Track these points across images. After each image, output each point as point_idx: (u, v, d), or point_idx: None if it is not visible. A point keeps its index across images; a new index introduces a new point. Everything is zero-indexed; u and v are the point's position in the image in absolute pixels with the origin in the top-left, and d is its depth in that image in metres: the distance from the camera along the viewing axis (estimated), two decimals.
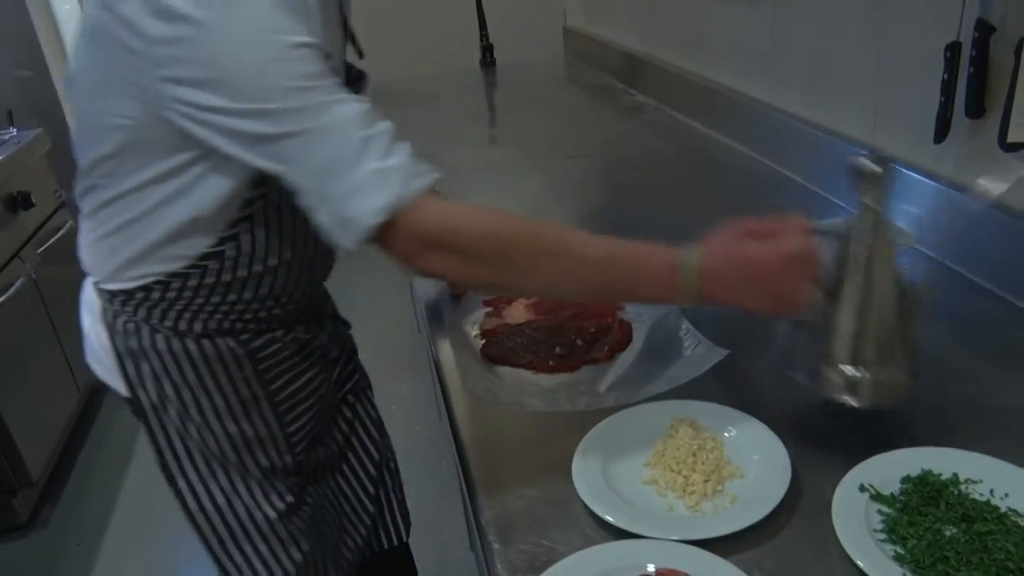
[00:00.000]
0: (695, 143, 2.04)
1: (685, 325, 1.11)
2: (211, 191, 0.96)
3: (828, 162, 1.57)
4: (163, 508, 2.46)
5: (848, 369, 0.90)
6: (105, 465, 2.79)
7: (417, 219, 0.86)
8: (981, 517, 0.77)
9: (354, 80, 1.10)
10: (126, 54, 0.87)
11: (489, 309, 1.22)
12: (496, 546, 0.82)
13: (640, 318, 1.16)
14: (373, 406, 1.40)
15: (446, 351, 1.16)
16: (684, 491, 0.85)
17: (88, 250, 1.10)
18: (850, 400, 0.90)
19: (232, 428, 1.10)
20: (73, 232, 3.02)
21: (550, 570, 0.77)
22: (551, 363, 1.08)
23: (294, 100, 0.84)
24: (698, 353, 1.05)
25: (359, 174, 0.84)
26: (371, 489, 1.35)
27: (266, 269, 1.06)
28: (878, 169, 0.86)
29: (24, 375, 2.48)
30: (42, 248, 2.73)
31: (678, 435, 0.91)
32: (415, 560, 1.57)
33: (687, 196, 1.70)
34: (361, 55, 1.18)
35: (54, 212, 2.92)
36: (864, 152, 1.44)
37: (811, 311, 0.90)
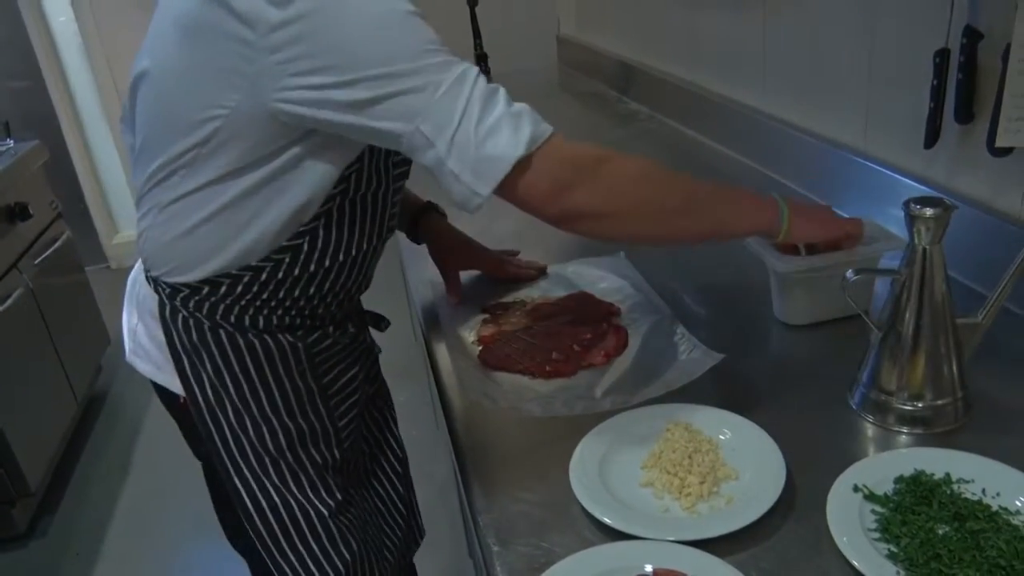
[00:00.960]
0: (689, 150, 2.05)
1: (680, 330, 1.12)
2: (296, 183, 0.98)
3: (821, 167, 1.58)
4: (161, 517, 2.48)
5: (903, 401, 0.95)
6: (102, 475, 2.79)
7: (557, 150, 0.90)
8: (973, 516, 0.78)
9: None
10: (236, 44, 0.89)
11: (486, 316, 1.23)
12: (495, 548, 0.83)
13: (635, 324, 1.17)
14: (393, 408, 1.43)
15: (443, 357, 1.17)
16: (680, 493, 0.86)
17: (155, 244, 1.08)
18: (905, 431, 0.95)
19: (289, 422, 1.11)
20: (69, 243, 3.03)
21: (549, 571, 0.78)
22: (548, 368, 1.08)
23: (424, 59, 0.88)
24: (693, 358, 1.06)
25: (493, 117, 0.88)
26: (402, 490, 1.37)
27: (335, 265, 1.08)
28: (933, 213, 0.90)
29: (22, 386, 2.48)
30: (39, 259, 2.73)
31: (674, 438, 0.92)
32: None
33: None
34: None
35: (51, 223, 2.93)
36: (865, 161, 1.46)
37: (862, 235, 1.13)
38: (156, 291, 1.10)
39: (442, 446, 2.47)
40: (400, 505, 1.36)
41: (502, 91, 0.91)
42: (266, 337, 1.09)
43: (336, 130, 0.92)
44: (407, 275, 1.66)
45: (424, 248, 1.40)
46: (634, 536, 0.81)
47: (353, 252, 1.08)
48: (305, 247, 1.04)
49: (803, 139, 1.64)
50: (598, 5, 2.90)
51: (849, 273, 0.95)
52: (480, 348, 1.16)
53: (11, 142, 2.88)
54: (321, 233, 1.04)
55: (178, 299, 1.08)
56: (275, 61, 0.87)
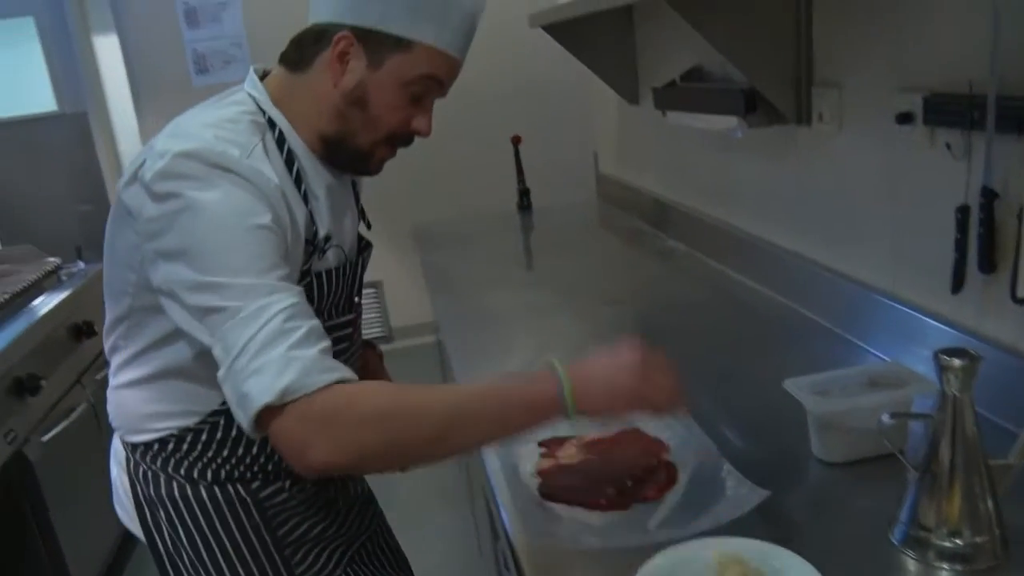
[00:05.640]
0: (726, 288, 2.12)
1: (726, 467, 1.19)
2: (210, 356, 1.02)
3: (852, 308, 1.65)
4: None
5: (942, 538, 0.99)
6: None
7: (308, 407, 0.90)
8: None
9: (362, 250, 1.27)
10: (128, 231, 1.03)
11: (543, 449, 1.30)
12: None
13: (684, 460, 1.23)
14: (394, 550, 1.49)
15: (502, 490, 1.23)
16: None
17: (113, 405, 1.21)
18: (946, 567, 0.98)
19: (241, 571, 1.18)
20: None
21: None
22: (603, 502, 1.15)
23: (240, 277, 0.94)
24: (740, 493, 1.12)
25: (267, 357, 0.90)
26: None
27: None
28: (961, 364, 0.96)
29: (79, 498, 2.55)
30: (100, 374, 2.85)
31: (727, 572, 0.98)
32: None
33: (719, 340, 1.79)
34: (369, 227, 1.34)
35: None
36: (901, 307, 1.53)
37: (676, 408, 1.04)
38: (123, 447, 1.21)
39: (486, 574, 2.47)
40: None
41: (299, 333, 0.92)
42: (216, 488, 1.17)
43: (185, 329, 0.99)
44: None
45: (475, 364, 1.46)
46: None
47: None
48: None
49: (835, 280, 1.72)
50: (636, 145, 3.03)
51: (885, 417, 1.03)
52: (539, 481, 1.22)
53: (82, 264, 3.06)
54: None
55: (138, 454, 1.18)
56: (150, 248, 0.99)
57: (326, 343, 0.96)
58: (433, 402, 0.96)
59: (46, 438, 2.34)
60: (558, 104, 4.02)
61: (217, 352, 0.94)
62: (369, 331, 4.36)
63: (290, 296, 0.96)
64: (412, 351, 4.30)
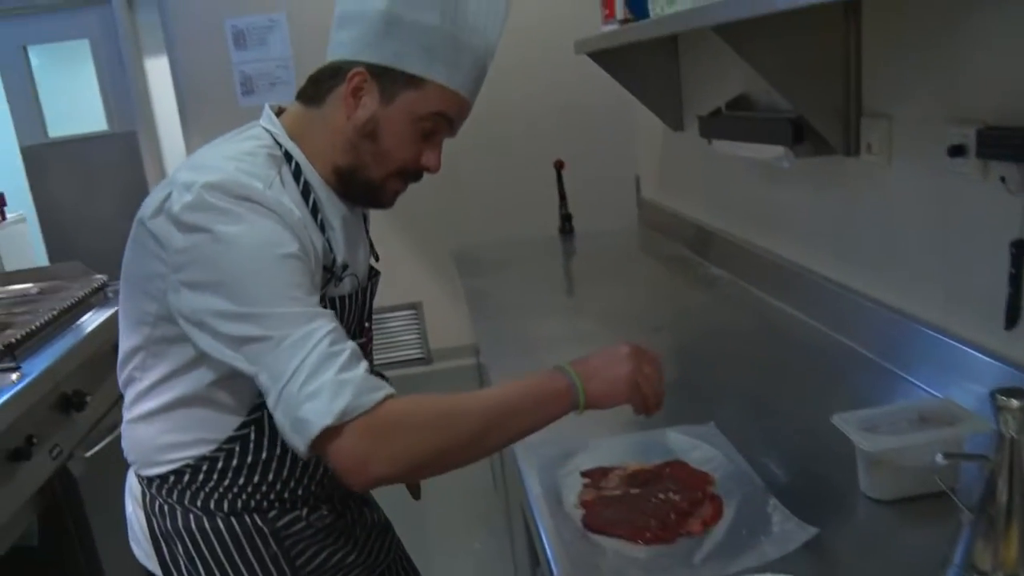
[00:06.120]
0: (770, 318, 2.10)
1: (773, 502, 1.17)
2: (228, 383, 1.06)
3: (901, 341, 1.63)
4: None
5: None
6: None
7: (366, 424, 0.94)
8: None
9: (371, 276, 1.30)
10: (153, 261, 1.04)
11: (587, 480, 1.30)
12: None
13: (729, 493, 1.22)
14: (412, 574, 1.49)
15: (545, 519, 1.22)
16: None
17: (128, 439, 1.22)
18: None
19: None
20: None
21: None
22: (648, 535, 1.14)
23: (278, 306, 0.97)
24: (787, 529, 1.11)
25: (319, 381, 0.94)
26: None
27: (287, 450, 1.16)
28: (1019, 404, 0.94)
29: (120, 514, 2.57)
30: None
31: None
32: None
33: (763, 371, 1.77)
34: (377, 259, 1.37)
35: None
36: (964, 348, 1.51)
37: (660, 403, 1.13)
38: (138, 481, 1.22)
39: None
40: None
41: (344, 355, 0.96)
42: (232, 519, 1.17)
43: (213, 356, 1.01)
44: None
45: None
46: None
47: None
48: (252, 435, 1.14)
49: (882, 312, 1.69)
50: (679, 171, 3.03)
51: (939, 457, 1.01)
52: (583, 512, 1.22)
53: None
54: (266, 420, 1.13)
55: (153, 487, 1.19)
56: (177, 280, 1.01)
57: (366, 363, 1.00)
58: (473, 406, 1.03)
59: (89, 454, 2.37)
60: (600, 129, 4.03)
61: (263, 380, 0.97)
62: (408, 352, 4.38)
63: (329, 321, 1.00)
64: (451, 373, 4.31)
